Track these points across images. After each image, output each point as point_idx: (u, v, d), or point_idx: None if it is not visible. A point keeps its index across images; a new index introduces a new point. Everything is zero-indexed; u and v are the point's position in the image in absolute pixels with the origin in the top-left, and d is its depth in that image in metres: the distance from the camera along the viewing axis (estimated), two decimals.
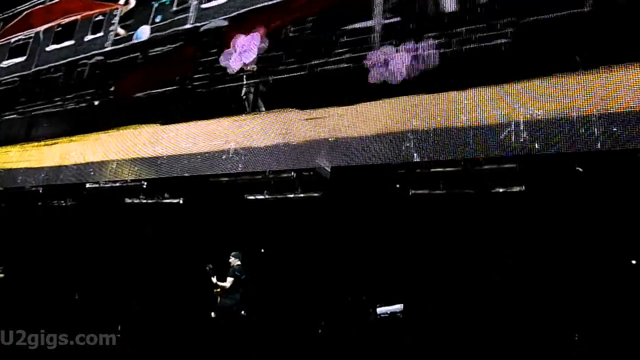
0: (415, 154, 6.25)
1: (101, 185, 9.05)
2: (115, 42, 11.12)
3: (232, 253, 7.01)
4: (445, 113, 6.14)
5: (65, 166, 9.79)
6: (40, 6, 13.56)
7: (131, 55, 10.17)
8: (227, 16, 8.87)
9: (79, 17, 12.14)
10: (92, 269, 8.54)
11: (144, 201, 8.61)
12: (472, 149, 5.88)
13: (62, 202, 9.75)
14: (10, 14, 14.32)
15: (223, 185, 7.78)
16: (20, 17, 13.98)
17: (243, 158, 7.51)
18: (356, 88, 6.98)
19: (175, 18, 10.16)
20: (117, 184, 8.85)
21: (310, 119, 7.40)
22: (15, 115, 12.01)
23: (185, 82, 8.77)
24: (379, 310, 6.33)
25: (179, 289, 7.66)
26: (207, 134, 8.11)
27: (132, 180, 8.64)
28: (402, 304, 6.33)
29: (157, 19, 10.80)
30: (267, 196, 7.46)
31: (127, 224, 8.82)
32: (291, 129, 7.41)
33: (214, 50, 8.61)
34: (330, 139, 6.92)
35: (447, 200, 6.27)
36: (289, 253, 7.43)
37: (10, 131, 11.85)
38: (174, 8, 10.41)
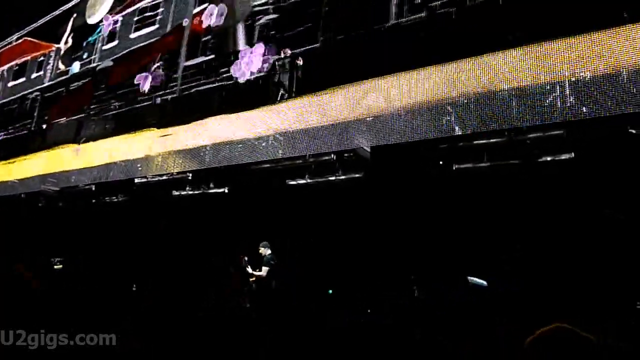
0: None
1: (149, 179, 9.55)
2: (55, 76, 14.01)
3: (261, 243, 7.27)
4: None
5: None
6: (8, 47, 16.67)
7: (58, 90, 13.03)
8: (113, 57, 11.56)
9: (29, 57, 15.11)
10: (147, 262, 8.34)
11: (191, 192, 8.95)
12: None
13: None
14: None
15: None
16: None
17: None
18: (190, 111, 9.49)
19: (91, 57, 12.91)
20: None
21: (164, 135, 10.02)
22: None
23: (87, 111, 11.52)
24: (470, 279, 5.94)
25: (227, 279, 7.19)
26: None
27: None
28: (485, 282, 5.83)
29: (84, 56, 13.62)
30: (308, 180, 7.57)
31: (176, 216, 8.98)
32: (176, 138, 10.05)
33: (103, 86, 11.34)
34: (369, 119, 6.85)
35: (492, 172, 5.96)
36: (333, 236, 7.23)
37: None
38: (96, 47, 13.18)
